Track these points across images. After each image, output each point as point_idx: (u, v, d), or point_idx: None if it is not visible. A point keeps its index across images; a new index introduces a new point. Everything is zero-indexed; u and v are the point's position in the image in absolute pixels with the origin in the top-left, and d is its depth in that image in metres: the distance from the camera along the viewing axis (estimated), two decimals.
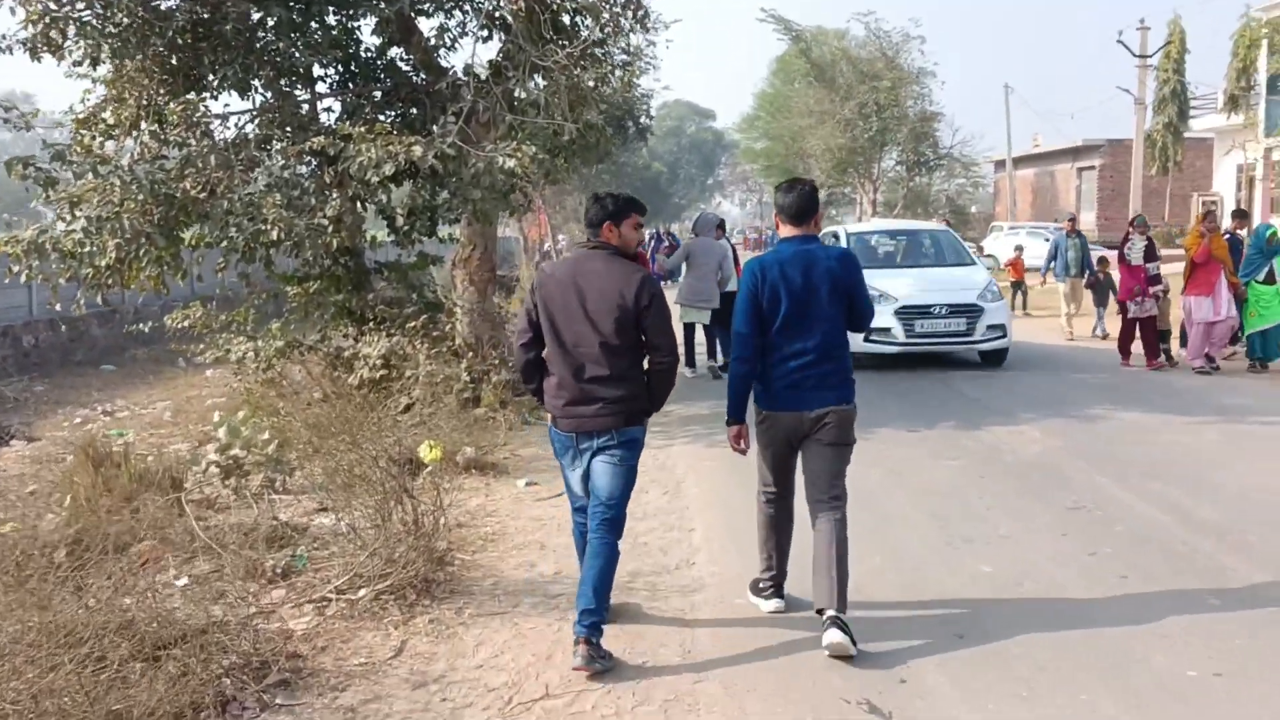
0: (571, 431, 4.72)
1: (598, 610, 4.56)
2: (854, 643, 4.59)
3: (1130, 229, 13.83)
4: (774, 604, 5.21)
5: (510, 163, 8.86)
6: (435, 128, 9.51)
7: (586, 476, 4.77)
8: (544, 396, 4.86)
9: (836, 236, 15.42)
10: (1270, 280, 12.26)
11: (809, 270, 4.82)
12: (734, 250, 13.66)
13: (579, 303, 4.66)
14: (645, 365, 4.78)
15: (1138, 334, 13.29)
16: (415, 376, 10.20)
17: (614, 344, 4.64)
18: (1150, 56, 27.33)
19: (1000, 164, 51.44)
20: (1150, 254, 13.29)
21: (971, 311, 13.07)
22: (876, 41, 45.48)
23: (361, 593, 5.29)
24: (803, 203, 4.94)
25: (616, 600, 4.99)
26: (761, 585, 5.26)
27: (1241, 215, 14.58)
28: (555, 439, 4.86)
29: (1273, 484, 7.38)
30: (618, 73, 11.75)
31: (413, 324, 10.87)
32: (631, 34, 11.18)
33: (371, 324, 10.94)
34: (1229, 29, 37.28)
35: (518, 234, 41.80)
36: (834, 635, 4.59)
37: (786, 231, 4.99)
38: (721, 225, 14.28)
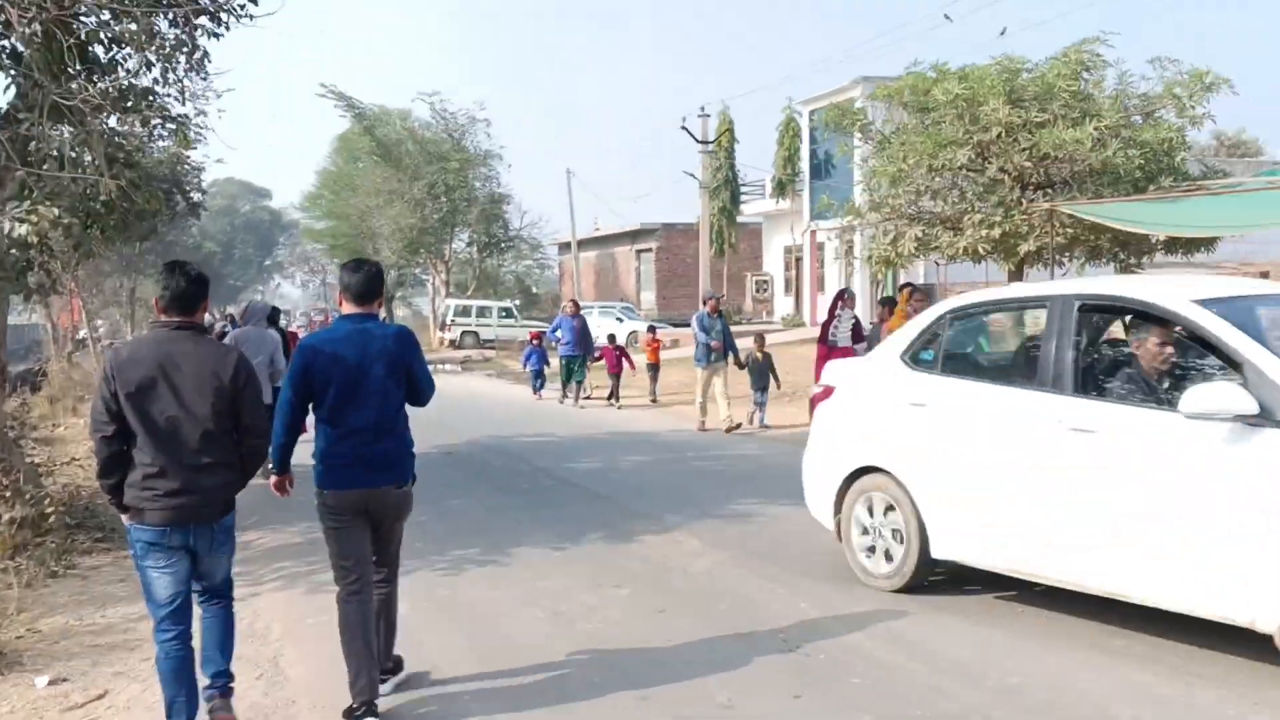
0: (166, 525, 4.43)
1: (228, 672, 4.71)
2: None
3: (839, 302, 12.56)
4: None
5: (22, 229, 6.54)
6: None
7: (180, 579, 4.52)
8: (124, 494, 4.49)
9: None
10: None
11: (364, 348, 4.84)
12: (286, 339, 12.26)
13: (169, 386, 4.41)
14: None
15: None
16: None
17: (212, 428, 4.47)
18: (710, 143, 28.60)
19: (565, 246, 52.42)
20: (858, 333, 12.28)
21: None
22: (442, 122, 45.18)
23: None
24: (369, 283, 4.96)
25: None
26: (356, 709, 4.79)
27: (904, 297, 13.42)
28: (141, 537, 4.49)
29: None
30: (168, 126, 9.52)
31: None
32: (186, 79, 9.03)
33: None
34: (770, 119, 40.22)
35: (45, 320, 36.16)
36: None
37: (348, 309, 4.98)
38: (273, 315, 13.19)
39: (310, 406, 4.91)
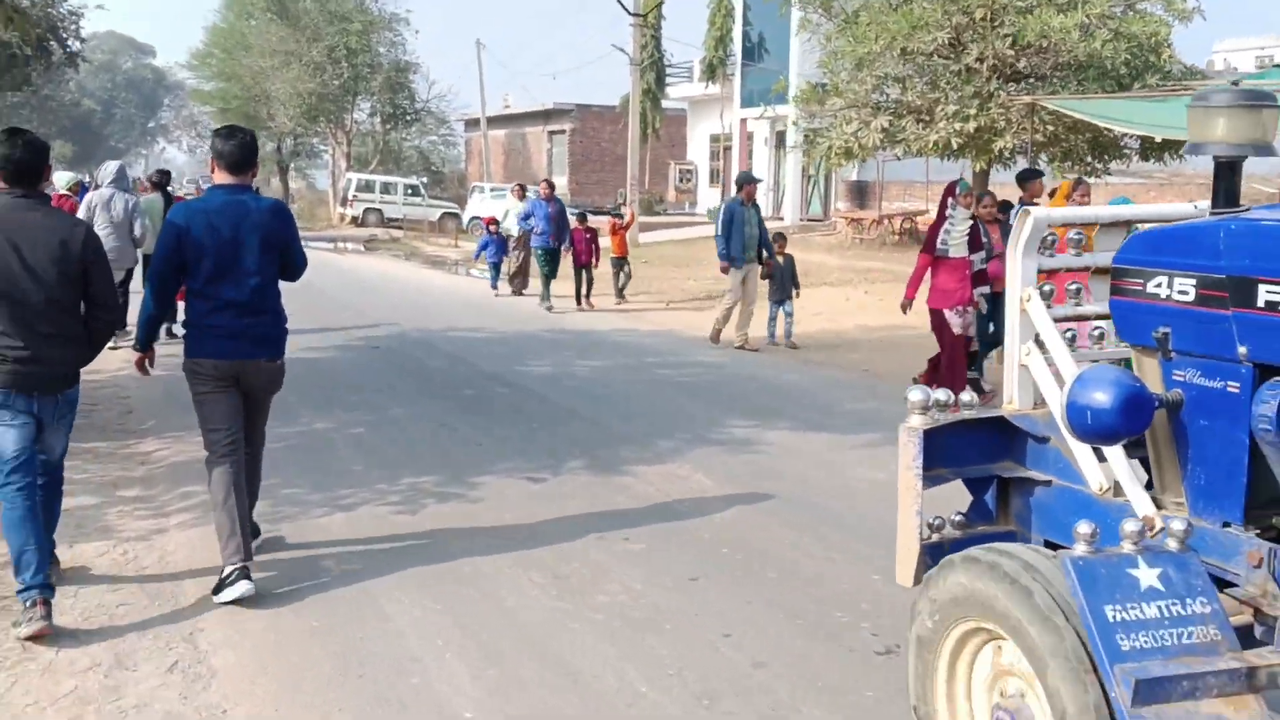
0: (10, 389, 4.34)
1: (46, 571, 4.37)
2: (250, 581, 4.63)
3: (950, 198, 8.79)
4: (242, 588, 4.63)
5: None
6: None
7: (29, 436, 4.41)
8: None
9: None
10: None
11: (239, 222, 4.77)
12: (171, 204, 10.89)
13: (16, 255, 4.30)
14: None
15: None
16: None
17: (59, 299, 4.41)
18: (645, 16, 26.64)
19: (474, 123, 49.79)
20: (975, 240, 8.95)
21: None
22: None
23: None
24: (243, 152, 4.90)
25: None
26: (227, 577, 4.66)
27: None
28: None
29: None
30: None
31: None
32: None
33: None
34: None
35: None
36: (244, 587, 4.60)
37: (221, 179, 4.90)
38: (163, 179, 12.98)
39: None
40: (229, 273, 4.76)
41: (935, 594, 2.97)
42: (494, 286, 17.91)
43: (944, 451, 3.41)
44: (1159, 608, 2.51)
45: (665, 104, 38.53)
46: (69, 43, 25.80)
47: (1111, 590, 2.51)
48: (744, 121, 31.53)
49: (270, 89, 41.23)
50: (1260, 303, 2.69)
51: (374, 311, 14.65)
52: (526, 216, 16.12)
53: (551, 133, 48.36)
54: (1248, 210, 3.02)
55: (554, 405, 8.81)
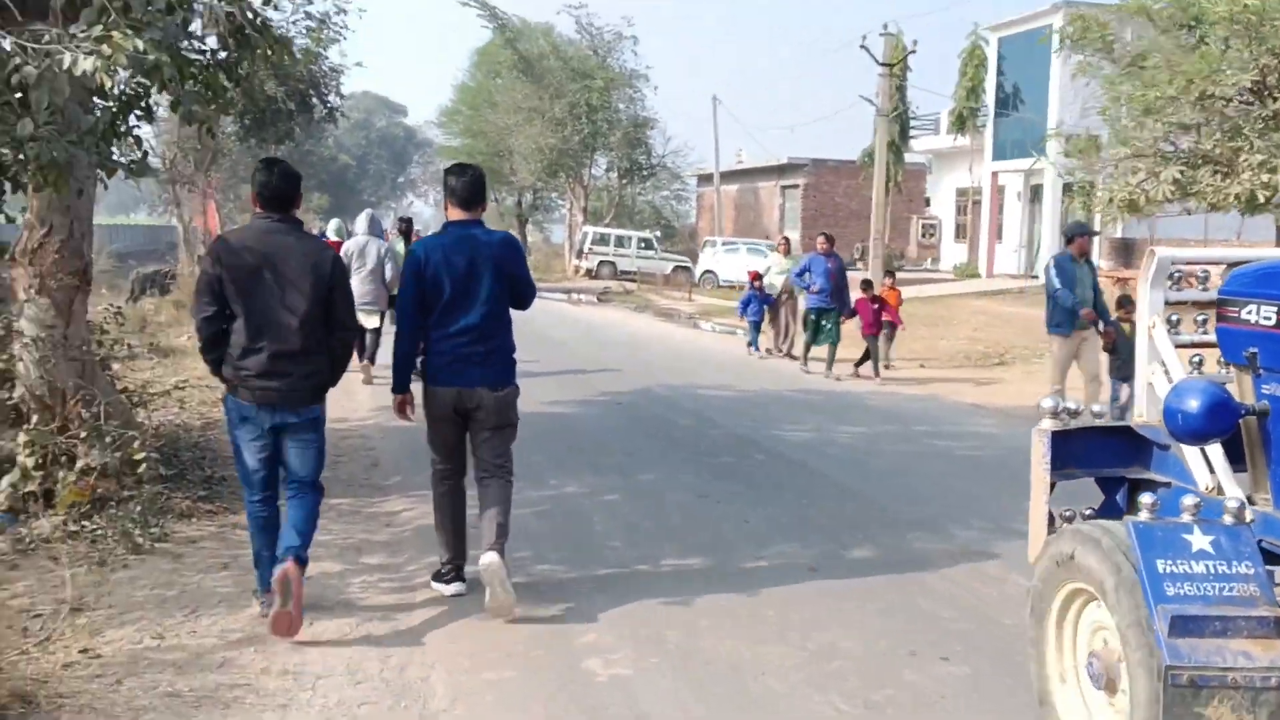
0: (257, 404, 4.61)
1: (304, 546, 4.64)
2: (505, 565, 4.74)
3: None
4: (455, 587, 5.12)
5: (87, 64, 4.34)
6: None
7: (267, 454, 4.70)
8: (223, 369, 4.70)
9: None
10: None
11: (473, 254, 4.95)
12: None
13: (271, 274, 4.58)
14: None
15: None
16: None
17: (306, 319, 4.62)
18: (892, 66, 25.60)
19: (706, 178, 49.64)
20: None
21: None
22: (588, 38, 42.74)
23: None
24: (474, 187, 5.07)
25: None
26: (443, 570, 5.16)
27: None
28: (234, 409, 4.71)
29: None
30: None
31: None
32: None
33: None
34: (938, 48, 36.75)
35: (177, 222, 35.00)
36: (489, 557, 4.74)
37: (455, 215, 5.07)
38: (406, 227, 14.64)
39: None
40: (463, 301, 4.93)
41: (1046, 559, 3.51)
42: (753, 346, 16.43)
43: (1078, 454, 3.93)
44: (1206, 565, 2.97)
45: (907, 157, 37.13)
46: (329, 98, 26.79)
47: (1165, 548, 3.00)
48: (995, 174, 29.87)
49: (513, 144, 42.22)
50: None
51: (613, 364, 14.10)
52: (801, 272, 14.13)
53: (784, 187, 47.59)
54: None
55: (821, 478, 7.84)
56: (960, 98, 31.87)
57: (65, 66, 4.37)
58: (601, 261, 38.34)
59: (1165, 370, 3.74)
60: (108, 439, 6.46)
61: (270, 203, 4.66)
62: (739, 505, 6.98)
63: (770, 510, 6.89)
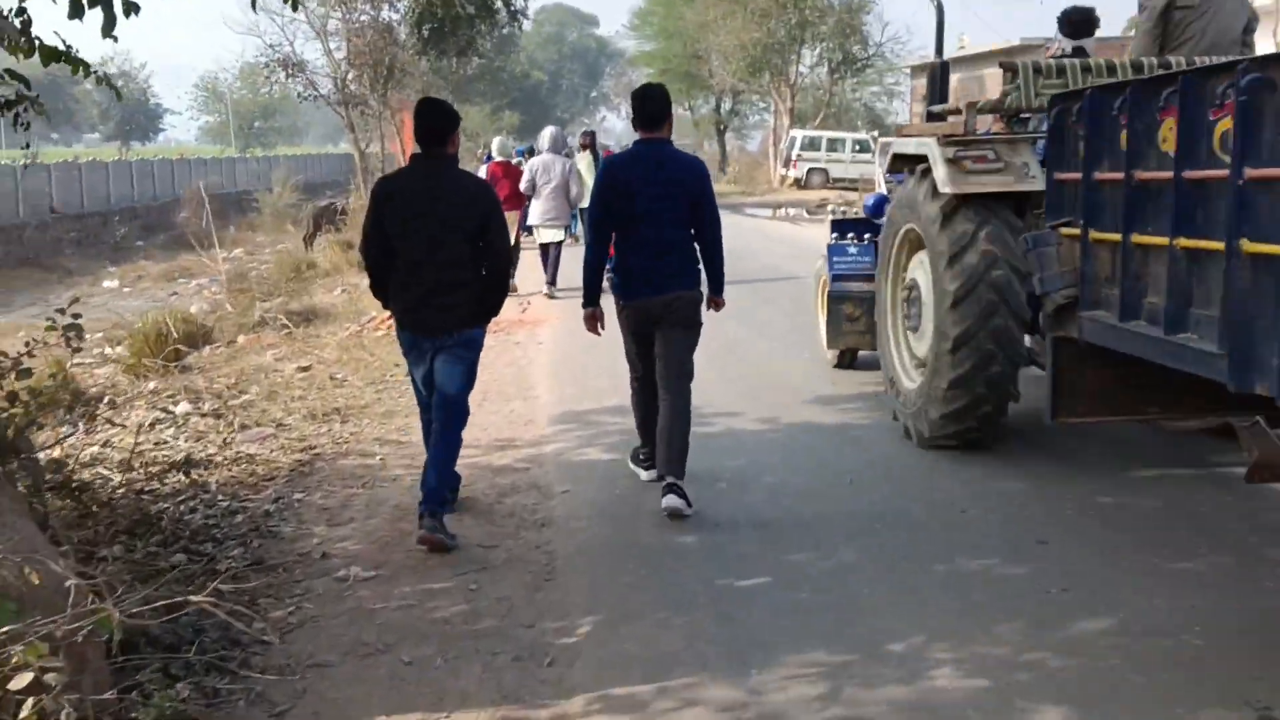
0: (416, 333, 4.89)
1: (440, 491, 4.77)
2: (689, 504, 4.96)
3: None
4: (650, 473, 5.41)
5: None
6: None
7: (430, 376, 4.91)
8: (389, 300, 5.02)
9: None
10: None
11: (659, 170, 5.08)
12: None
13: (432, 211, 4.77)
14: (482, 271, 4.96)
15: None
16: None
17: (461, 252, 4.81)
18: None
19: (919, 69, 44.91)
20: None
21: None
22: None
23: None
24: (654, 108, 5.19)
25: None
26: (641, 456, 5.55)
27: None
28: (402, 340, 5.03)
29: None
30: None
31: None
32: None
33: None
34: None
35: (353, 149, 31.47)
36: (671, 500, 4.96)
37: (641, 134, 5.20)
38: (591, 143, 14.86)
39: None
40: (651, 217, 5.05)
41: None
42: None
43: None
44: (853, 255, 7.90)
45: None
46: (513, 2, 24.20)
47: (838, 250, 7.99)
48: None
49: (711, 43, 38.91)
50: None
51: None
52: None
53: None
54: None
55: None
56: None
57: None
58: (811, 169, 34.98)
59: None
60: None
61: (427, 140, 4.85)
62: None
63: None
